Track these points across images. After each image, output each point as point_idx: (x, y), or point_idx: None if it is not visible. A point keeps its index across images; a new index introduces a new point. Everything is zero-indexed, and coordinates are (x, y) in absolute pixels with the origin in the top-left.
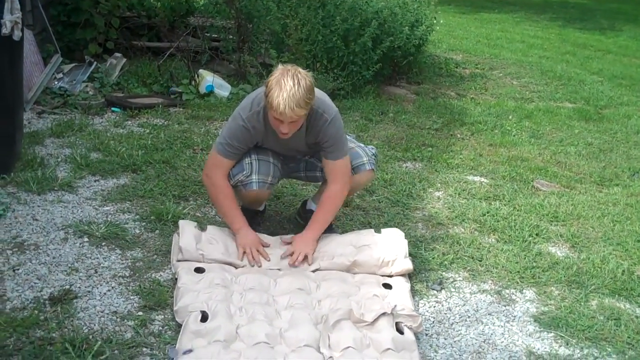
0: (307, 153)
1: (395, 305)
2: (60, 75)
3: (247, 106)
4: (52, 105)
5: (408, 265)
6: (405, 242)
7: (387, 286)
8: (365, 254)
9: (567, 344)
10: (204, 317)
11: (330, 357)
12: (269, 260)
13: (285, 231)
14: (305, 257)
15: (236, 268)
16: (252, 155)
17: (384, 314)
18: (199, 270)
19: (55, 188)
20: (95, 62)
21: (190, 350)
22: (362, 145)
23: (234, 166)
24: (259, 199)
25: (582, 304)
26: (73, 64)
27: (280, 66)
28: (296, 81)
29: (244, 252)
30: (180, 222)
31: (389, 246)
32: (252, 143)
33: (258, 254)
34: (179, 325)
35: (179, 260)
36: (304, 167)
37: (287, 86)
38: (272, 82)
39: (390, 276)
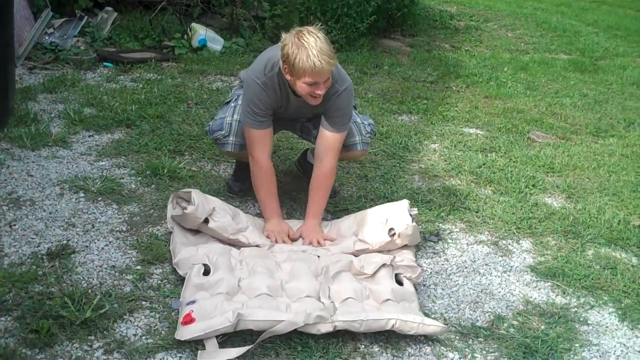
0: (309, 118)
1: (395, 257)
2: (51, 30)
3: (260, 70)
4: (44, 60)
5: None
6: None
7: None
8: (368, 221)
9: (564, 293)
10: (206, 271)
11: (332, 302)
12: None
13: (281, 185)
14: (318, 243)
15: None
16: (235, 115)
17: (383, 265)
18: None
19: (49, 144)
20: (86, 17)
21: (193, 302)
22: (359, 119)
23: (215, 120)
24: (241, 158)
25: (579, 253)
26: (63, 19)
27: (287, 34)
28: (315, 36)
29: (268, 236)
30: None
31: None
32: (273, 105)
33: (282, 239)
34: (178, 279)
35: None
36: (299, 128)
37: (310, 43)
38: (292, 49)
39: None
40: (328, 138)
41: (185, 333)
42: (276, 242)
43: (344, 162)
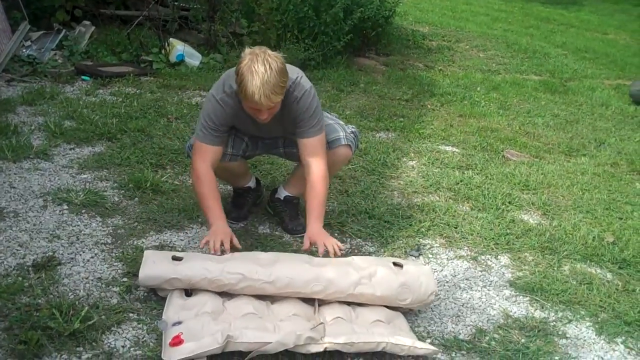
0: (284, 135)
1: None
2: (29, 42)
3: (220, 87)
4: (21, 73)
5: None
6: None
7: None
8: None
9: (542, 308)
10: (187, 293)
11: (321, 322)
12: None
13: (262, 200)
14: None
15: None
16: None
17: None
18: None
19: (31, 156)
20: (64, 30)
21: (179, 322)
22: (342, 123)
23: (192, 137)
24: (228, 171)
25: (555, 269)
26: (41, 32)
27: (248, 50)
28: (267, 66)
29: (207, 242)
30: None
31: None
32: (229, 123)
33: (221, 243)
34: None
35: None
36: (282, 144)
37: (259, 73)
38: (243, 69)
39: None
40: (307, 143)
41: (173, 354)
42: (215, 248)
43: None
